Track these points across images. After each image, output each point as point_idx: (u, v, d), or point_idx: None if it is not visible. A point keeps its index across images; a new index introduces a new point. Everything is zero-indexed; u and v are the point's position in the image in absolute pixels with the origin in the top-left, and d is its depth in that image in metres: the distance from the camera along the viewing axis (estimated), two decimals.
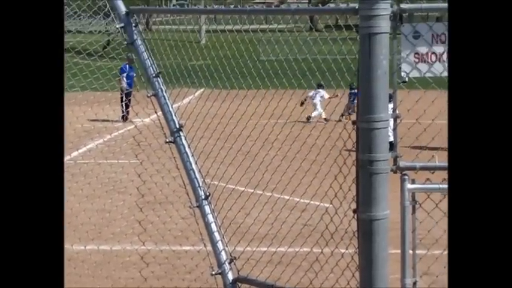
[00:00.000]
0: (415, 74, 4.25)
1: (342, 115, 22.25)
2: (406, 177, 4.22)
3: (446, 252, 5.85)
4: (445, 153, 4.96)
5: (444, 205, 4.61)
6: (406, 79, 4.42)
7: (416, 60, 4.21)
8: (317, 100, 23.76)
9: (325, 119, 22.18)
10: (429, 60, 4.20)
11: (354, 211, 4.19)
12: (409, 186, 4.21)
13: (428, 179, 4.27)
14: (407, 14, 4.25)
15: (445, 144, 3.20)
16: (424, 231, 4.95)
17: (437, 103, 5.22)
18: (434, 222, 4.90)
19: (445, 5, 4.38)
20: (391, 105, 4.20)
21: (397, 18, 4.10)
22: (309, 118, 22.42)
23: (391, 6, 4.00)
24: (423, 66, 4.22)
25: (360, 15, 3.99)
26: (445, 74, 4.21)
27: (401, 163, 4.21)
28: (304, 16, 5.80)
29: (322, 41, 5.53)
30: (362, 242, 4.12)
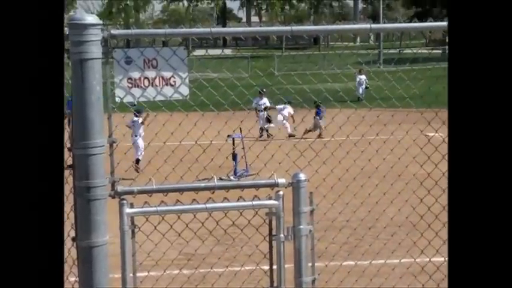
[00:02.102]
0: (129, 99, 4.30)
1: (309, 131, 23.30)
2: (125, 201, 4.24)
3: (167, 272, 5.95)
4: (162, 176, 5.05)
5: (162, 227, 4.71)
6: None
7: (130, 85, 4.26)
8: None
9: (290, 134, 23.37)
10: (142, 85, 4.27)
11: (73, 239, 4.11)
12: (127, 210, 4.23)
13: (146, 202, 4.32)
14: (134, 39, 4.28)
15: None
16: (144, 254, 5.00)
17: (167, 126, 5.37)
18: (153, 244, 4.98)
19: (155, 31, 4.50)
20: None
21: (109, 44, 4.12)
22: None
23: (102, 32, 4.01)
24: (137, 91, 4.28)
25: (71, 41, 3.95)
26: (158, 98, 4.31)
27: (119, 188, 4.22)
28: None
29: None
30: (82, 270, 4.06)
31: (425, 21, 4.85)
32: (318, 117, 23.82)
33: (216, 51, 51.08)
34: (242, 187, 4.46)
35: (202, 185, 4.35)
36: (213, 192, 4.31)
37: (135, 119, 18.37)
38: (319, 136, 23.16)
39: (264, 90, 24.75)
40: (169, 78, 4.29)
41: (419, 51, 60.35)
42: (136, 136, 18.62)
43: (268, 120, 24.94)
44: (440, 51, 57.72)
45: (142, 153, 18.63)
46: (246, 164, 17.48)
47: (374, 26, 4.61)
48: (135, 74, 4.24)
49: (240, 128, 17.25)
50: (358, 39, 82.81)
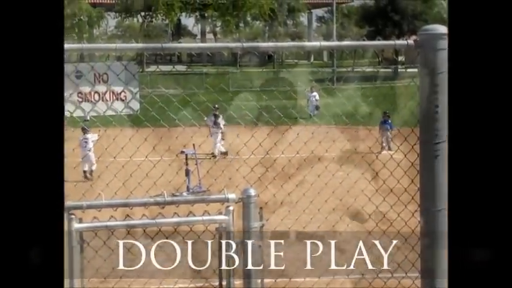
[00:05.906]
0: (79, 113, 4.29)
1: (382, 148, 19.53)
2: (73, 216, 4.20)
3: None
4: (112, 191, 5.03)
5: (111, 242, 4.69)
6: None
7: (80, 99, 4.26)
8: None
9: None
10: (92, 100, 4.27)
11: None
12: (76, 225, 4.20)
13: (95, 217, 4.29)
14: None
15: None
16: (92, 269, 4.96)
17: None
18: (102, 260, 4.94)
19: (106, 45, 4.51)
20: None
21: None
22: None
23: None
24: (87, 106, 4.28)
25: None
26: (109, 112, 4.30)
27: (68, 203, 4.19)
28: None
29: None
30: None
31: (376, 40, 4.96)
32: (386, 131, 20.56)
33: (169, 67, 50.89)
34: (192, 202, 4.47)
35: (152, 199, 4.35)
36: (163, 208, 4.32)
37: (88, 136, 18.67)
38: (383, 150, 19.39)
39: (217, 106, 24.61)
40: (120, 93, 4.31)
41: (367, 69, 60.98)
42: (87, 150, 18.79)
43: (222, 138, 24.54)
44: (391, 70, 58.55)
45: (95, 165, 19.02)
46: (199, 180, 17.44)
47: (323, 43, 4.70)
48: (85, 89, 4.24)
49: (193, 144, 17.17)
50: (312, 57, 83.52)
